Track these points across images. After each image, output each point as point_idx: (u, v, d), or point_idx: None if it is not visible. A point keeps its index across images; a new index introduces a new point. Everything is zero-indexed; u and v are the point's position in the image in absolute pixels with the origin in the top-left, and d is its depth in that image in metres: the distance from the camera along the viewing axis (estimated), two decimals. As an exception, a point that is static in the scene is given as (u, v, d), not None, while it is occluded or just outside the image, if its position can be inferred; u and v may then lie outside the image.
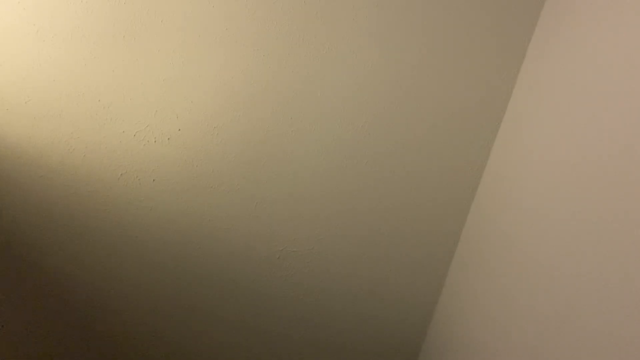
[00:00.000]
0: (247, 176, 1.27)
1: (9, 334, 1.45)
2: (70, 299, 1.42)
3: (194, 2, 1.11)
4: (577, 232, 0.79)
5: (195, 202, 1.30)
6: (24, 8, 1.10)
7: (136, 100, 1.19)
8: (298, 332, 1.49)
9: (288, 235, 1.34)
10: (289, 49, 1.15)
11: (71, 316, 1.45)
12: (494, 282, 1.06)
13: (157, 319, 1.47)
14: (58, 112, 1.19)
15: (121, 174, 1.26)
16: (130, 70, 1.16)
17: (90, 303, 1.43)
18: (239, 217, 1.32)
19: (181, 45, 1.15)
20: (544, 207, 0.91)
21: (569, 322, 0.76)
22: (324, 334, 1.49)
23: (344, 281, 1.41)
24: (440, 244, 1.34)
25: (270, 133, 1.23)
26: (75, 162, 1.25)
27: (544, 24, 1.09)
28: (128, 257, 1.37)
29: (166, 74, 1.17)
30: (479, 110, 1.20)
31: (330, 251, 1.36)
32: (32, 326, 1.45)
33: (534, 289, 0.89)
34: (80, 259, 1.37)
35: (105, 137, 1.22)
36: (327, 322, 1.47)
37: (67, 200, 1.29)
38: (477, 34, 1.14)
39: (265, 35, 1.14)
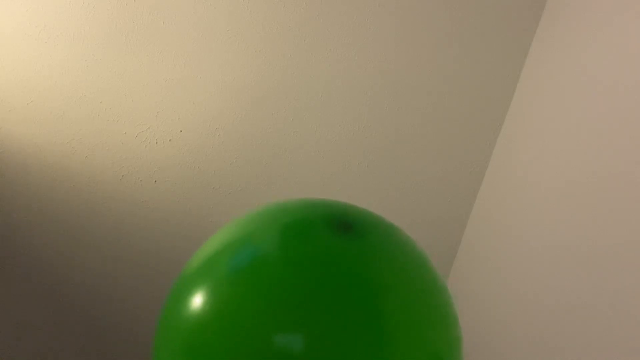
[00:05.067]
0: (248, 177, 1.27)
1: (7, 334, 1.45)
2: (70, 300, 1.42)
3: (196, 4, 1.12)
4: (578, 230, 0.78)
5: (197, 203, 1.30)
6: (26, 10, 1.11)
7: (138, 102, 1.19)
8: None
9: (289, 236, 1.34)
10: (291, 51, 1.15)
11: (71, 317, 1.45)
12: (495, 283, 1.06)
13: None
14: (60, 114, 1.20)
15: (123, 175, 1.26)
16: (132, 72, 1.17)
17: (91, 304, 1.43)
18: (240, 219, 1.32)
19: (183, 47, 1.15)
20: (545, 208, 0.91)
21: (570, 320, 0.76)
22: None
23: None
24: (441, 246, 1.34)
25: (272, 134, 1.23)
26: (77, 163, 1.25)
27: (546, 25, 1.09)
28: (129, 258, 1.37)
29: (168, 75, 1.17)
30: (481, 110, 1.19)
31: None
32: (30, 326, 1.45)
33: (536, 288, 0.88)
34: (82, 260, 1.37)
35: (107, 139, 1.22)
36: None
37: (68, 202, 1.29)
38: (478, 35, 1.13)
39: (267, 36, 1.14)
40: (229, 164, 1.26)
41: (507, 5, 1.11)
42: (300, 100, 1.20)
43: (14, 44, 1.13)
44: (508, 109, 1.18)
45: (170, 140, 1.23)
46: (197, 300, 0.34)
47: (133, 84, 1.18)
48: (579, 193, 0.81)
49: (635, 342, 0.61)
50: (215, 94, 1.19)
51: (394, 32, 1.14)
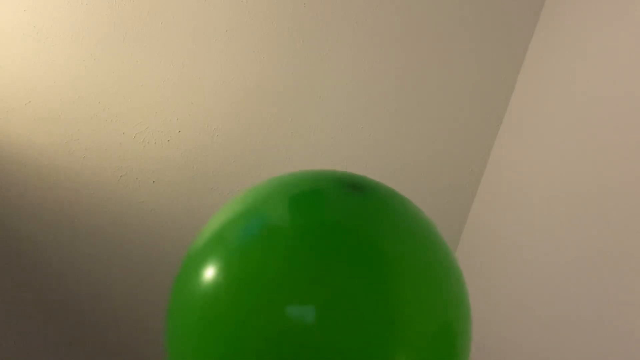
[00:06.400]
0: (246, 178, 1.27)
1: (6, 334, 1.45)
2: (69, 301, 1.42)
3: (194, 4, 1.12)
4: (575, 233, 0.79)
5: (195, 204, 1.30)
6: (25, 10, 1.10)
7: (136, 102, 1.19)
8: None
9: (287, 237, 1.34)
10: (290, 51, 1.15)
11: (69, 317, 1.45)
12: (493, 285, 1.07)
13: (157, 321, 1.47)
14: (58, 114, 1.19)
15: (121, 176, 1.26)
16: (130, 72, 1.16)
17: (89, 304, 1.43)
18: (238, 219, 1.32)
19: (181, 47, 1.15)
20: (543, 211, 0.91)
21: (567, 322, 0.76)
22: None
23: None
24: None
25: (270, 135, 1.23)
26: (75, 163, 1.24)
27: (543, 27, 1.09)
28: (127, 259, 1.37)
29: (166, 75, 1.17)
30: (478, 113, 1.20)
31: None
32: (29, 326, 1.45)
33: (533, 291, 0.89)
34: (80, 261, 1.37)
35: (105, 139, 1.22)
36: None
37: (67, 202, 1.29)
38: (476, 37, 1.14)
39: (266, 37, 1.14)
40: (227, 164, 1.26)
41: (505, 7, 1.12)
42: (299, 101, 1.20)
43: (12, 43, 1.13)
44: (505, 111, 1.19)
45: (168, 140, 1.23)
46: (209, 273, 0.34)
47: (131, 84, 1.17)
48: (576, 195, 0.81)
49: (631, 340, 0.61)
50: (214, 95, 1.19)
51: (392, 34, 1.14)
